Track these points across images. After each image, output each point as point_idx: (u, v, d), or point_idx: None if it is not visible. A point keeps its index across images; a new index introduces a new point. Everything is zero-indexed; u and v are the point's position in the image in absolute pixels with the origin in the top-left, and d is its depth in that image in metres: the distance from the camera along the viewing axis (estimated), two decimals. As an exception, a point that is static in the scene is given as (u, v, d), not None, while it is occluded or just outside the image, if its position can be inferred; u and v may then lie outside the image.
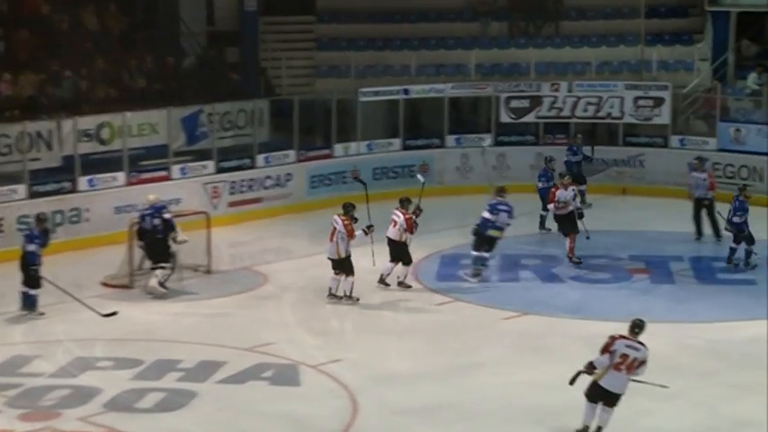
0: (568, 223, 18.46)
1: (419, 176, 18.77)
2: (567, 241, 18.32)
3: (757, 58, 25.38)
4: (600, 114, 24.47)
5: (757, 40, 26.01)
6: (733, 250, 18.03)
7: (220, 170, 21.46)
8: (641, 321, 11.73)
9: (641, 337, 11.66)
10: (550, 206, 18.77)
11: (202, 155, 21.61)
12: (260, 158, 22.13)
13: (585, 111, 24.46)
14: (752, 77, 24.45)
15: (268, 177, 22.11)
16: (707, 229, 19.68)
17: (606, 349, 11.54)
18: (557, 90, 24.53)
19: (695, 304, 16.32)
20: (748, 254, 17.96)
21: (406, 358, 14.18)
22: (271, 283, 17.43)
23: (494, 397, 12.92)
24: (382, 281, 16.97)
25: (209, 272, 17.84)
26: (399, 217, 17.03)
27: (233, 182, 21.56)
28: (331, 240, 16.39)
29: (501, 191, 18.03)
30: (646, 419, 12.32)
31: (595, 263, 18.32)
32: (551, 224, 19.55)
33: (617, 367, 11.49)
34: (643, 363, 11.53)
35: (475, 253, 17.47)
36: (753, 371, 13.53)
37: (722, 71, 25.18)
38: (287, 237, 20.42)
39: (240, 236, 20.26)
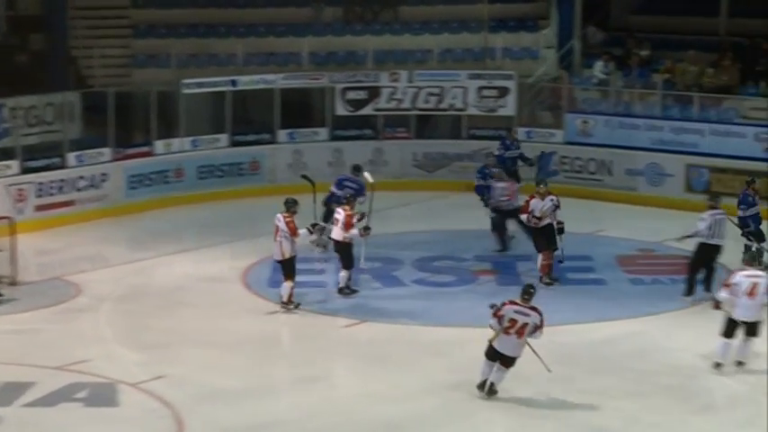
0: (543, 238, 17.42)
1: (366, 175, 18.45)
2: (540, 258, 17.36)
3: (603, 46, 26.03)
4: (442, 106, 24.73)
5: (603, 27, 26.69)
6: (747, 248, 17.35)
7: (26, 170, 20.86)
8: (532, 287, 13.21)
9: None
10: (523, 217, 17.64)
11: (5, 153, 20.99)
12: (71, 157, 21.59)
13: (427, 102, 24.67)
14: (598, 66, 25.04)
15: (81, 178, 21.59)
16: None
17: (496, 314, 12.91)
18: (396, 80, 24.66)
19: (544, 306, 16.42)
20: (759, 252, 17.38)
21: (236, 373, 14.01)
22: (85, 294, 17.02)
23: (331, 412, 12.87)
24: (341, 291, 16.90)
25: (14, 283, 17.31)
26: (341, 214, 16.90)
27: (40, 183, 20.97)
28: (275, 240, 16.23)
29: (357, 169, 19.19)
30: (495, 429, 12.47)
31: (439, 265, 18.45)
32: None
33: (506, 331, 12.85)
34: (537, 328, 12.91)
35: (322, 223, 17.66)
36: (605, 376, 13.83)
37: (568, 59, 25.74)
38: (103, 243, 19.99)
39: (49, 243, 19.75)
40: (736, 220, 17.43)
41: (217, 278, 17.78)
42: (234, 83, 23.92)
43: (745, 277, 13.83)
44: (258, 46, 25.83)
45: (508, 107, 24.56)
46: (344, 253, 16.89)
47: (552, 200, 17.42)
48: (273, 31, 26.25)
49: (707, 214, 16.55)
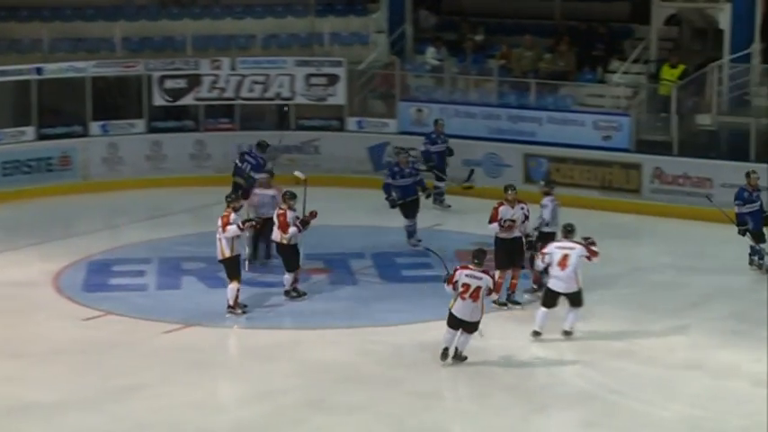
0: (506, 254, 16.30)
1: (297, 173, 18.22)
2: (497, 274, 15.92)
3: (436, 30, 26.42)
4: (268, 95, 24.74)
5: (436, 10, 27.10)
6: (753, 249, 17.86)
7: None
8: (482, 250, 14.21)
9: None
10: (492, 225, 16.42)
11: None
12: None
13: (252, 91, 24.66)
14: (430, 52, 25.41)
15: None
16: None
17: (449, 281, 13.95)
18: (218, 68, 24.59)
19: (379, 305, 16.78)
20: (756, 252, 17.83)
21: (49, 385, 13.79)
22: None
23: (154, 423, 12.78)
24: (288, 294, 16.77)
25: None
26: (277, 215, 16.82)
27: None
28: (218, 239, 16.09)
29: (260, 145, 20.31)
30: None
31: (268, 263, 18.46)
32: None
33: (461, 296, 13.88)
34: (490, 291, 14.01)
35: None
36: (441, 376, 14.09)
37: (400, 45, 26.04)
38: None
39: None
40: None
41: (25, 283, 17.45)
42: (39, 71, 23.49)
43: (557, 248, 14.78)
44: (65, 31, 25.35)
45: (338, 96, 24.72)
46: (286, 254, 16.77)
47: (523, 208, 16.43)
48: (81, 15, 25.78)
49: (547, 200, 16.98)
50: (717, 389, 13.59)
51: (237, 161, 20.39)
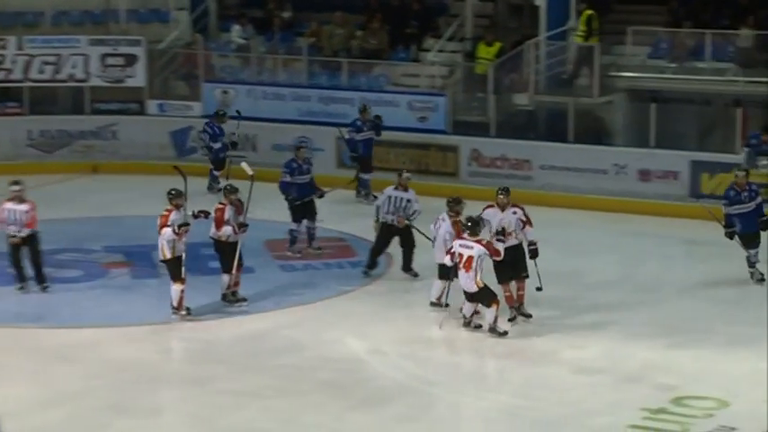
0: (507, 265, 15.35)
1: (243, 165, 17.71)
2: (502, 288, 15.50)
3: (241, 7, 26.38)
4: (60, 77, 24.41)
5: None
6: (748, 261, 17.08)
7: None
8: (472, 218, 14.68)
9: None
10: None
11: None
12: None
13: (42, 72, 24.29)
14: (236, 30, 25.39)
15: None
16: None
17: (448, 252, 14.70)
18: (3, 47, 24.15)
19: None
20: (751, 264, 17.10)
21: None
22: None
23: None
24: (225, 297, 16.37)
25: None
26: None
27: None
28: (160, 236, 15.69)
29: (217, 114, 21.94)
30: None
31: (63, 258, 18.25)
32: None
33: (458, 267, 14.57)
34: (482, 258, 14.45)
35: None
36: (254, 374, 14.16)
37: (203, 22, 25.96)
38: None
39: None
40: None
41: None
42: None
43: (460, 246, 14.80)
44: None
45: (137, 77, 24.54)
46: (221, 253, 16.39)
47: (516, 212, 15.51)
48: None
49: (390, 188, 17.23)
50: (536, 377, 13.98)
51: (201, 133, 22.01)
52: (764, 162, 20.35)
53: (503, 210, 15.50)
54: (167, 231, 15.57)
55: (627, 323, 15.42)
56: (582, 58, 22.78)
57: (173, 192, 15.87)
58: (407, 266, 17.39)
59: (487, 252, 14.59)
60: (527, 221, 15.50)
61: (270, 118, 23.75)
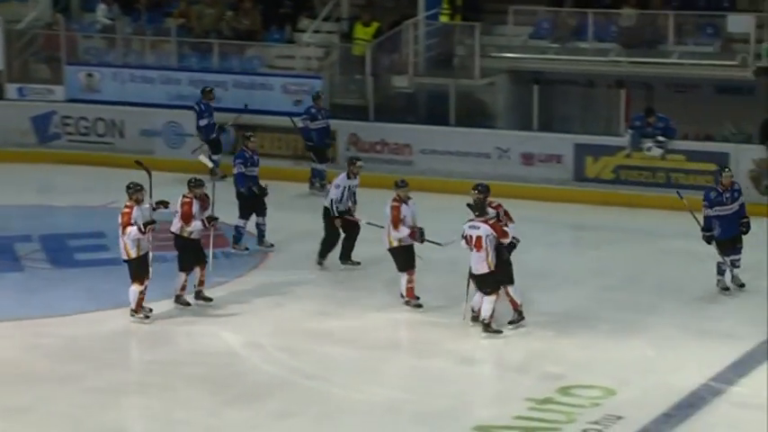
0: (406, 254, 15.78)
1: (203, 159, 16.99)
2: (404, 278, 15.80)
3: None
4: None
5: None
6: (719, 266, 16.25)
7: None
8: (478, 201, 14.72)
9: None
10: (403, 231, 15.57)
11: None
12: None
13: None
14: (101, 9, 25.12)
15: None
16: None
17: (463, 235, 14.73)
18: None
19: (50, 294, 16.55)
20: (720, 271, 16.26)
21: None
22: None
23: None
24: (179, 299, 15.91)
25: None
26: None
27: None
28: (120, 237, 15.12)
29: (203, 92, 21.82)
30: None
31: None
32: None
33: (471, 248, 14.70)
34: (490, 238, 14.54)
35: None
36: (122, 370, 14.07)
37: (65, 1, 25.63)
38: None
39: None
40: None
41: None
42: None
43: (469, 228, 14.79)
44: None
45: (-5, 59, 24.16)
46: (182, 250, 15.88)
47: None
48: None
49: (342, 177, 17.12)
50: (419, 369, 14.05)
51: None
52: (649, 144, 20.66)
53: (408, 202, 15.67)
54: (132, 230, 15.04)
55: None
56: (452, 38, 22.91)
57: (132, 186, 15.29)
58: (347, 256, 17.29)
59: (495, 232, 14.67)
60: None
61: (137, 102, 23.55)
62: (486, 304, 14.81)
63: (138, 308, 15.45)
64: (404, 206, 15.70)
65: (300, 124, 21.69)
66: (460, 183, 20.04)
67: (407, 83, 22.92)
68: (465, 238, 14.80)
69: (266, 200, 18.08)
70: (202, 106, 22.02)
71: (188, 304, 15.93)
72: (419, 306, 15.74)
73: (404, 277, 15.81)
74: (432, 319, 15.47)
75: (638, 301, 15.69)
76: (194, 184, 15.94)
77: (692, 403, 12.82)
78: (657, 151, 20.63)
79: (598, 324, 15.30)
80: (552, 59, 22.53)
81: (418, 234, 15.64)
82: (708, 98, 21.95)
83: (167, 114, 23.44)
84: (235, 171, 18.16)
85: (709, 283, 16.27)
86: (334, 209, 17.02)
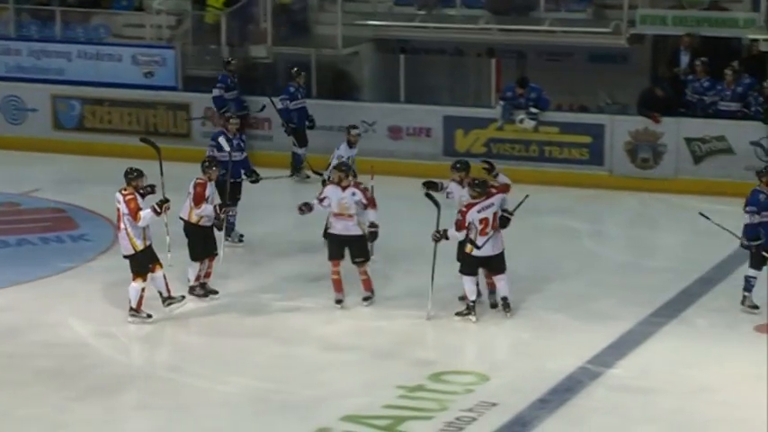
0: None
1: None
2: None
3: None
4: None
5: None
6: (747, 281, 14.94)
7: None
8: (477, 179, 14.81)
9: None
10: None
11: None
12: None
13: None
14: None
15: None
16: None
17: (461, 226, 14.52)
18: None
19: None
20: (749, 287, 14.96)
21: None
22: None
23: None
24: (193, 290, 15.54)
25: None
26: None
27: None
28: (119, 229, 14.49)
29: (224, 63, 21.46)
30: None
31: None
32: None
33: (482, 232, 14.49)
34: (502, 205, 14.67)
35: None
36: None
37: None
38: None
39: None
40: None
41: None
42: None
43: (479, 213, 14.69)
44: None
45: None
46: (191, 237, 15.34)
47: (355, 193, 15.14)
48: None
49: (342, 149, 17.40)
50: (284, 357, 14.08)
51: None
52: (521, 116, 20.89)
53: (344, 189, 15.17)
54: (146, 214, 14.43)
55: (381, 295, 15.59)
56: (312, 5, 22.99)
57: (133, 172, 14.70)
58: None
59: (503, 195, 14.87)
60: (368, 203, 15.22)
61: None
62: (505, 282, 15.01)
63: (140, 307, 14.95)
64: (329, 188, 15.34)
65: (279, 105, 20.99)
66: (323, 158, 20.09)
67: (266, 53, 22.86)
68: (481, 222, 14.54)
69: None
70: (219, 76, 21.55)
71: (210, 292, 15.62)
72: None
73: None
74: (298, 305, 15.51)
75: (512, 282, 15.88)
76: (209, 165, 15.51)
77: (568, 387, 13.05)
78: (530, 123, 20.87)
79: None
80: (419, 27, 22.69)
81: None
82: (581, 67, 22.27)
83: (6, 87, 23.17)
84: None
85: (586, 260, 16.53)
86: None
